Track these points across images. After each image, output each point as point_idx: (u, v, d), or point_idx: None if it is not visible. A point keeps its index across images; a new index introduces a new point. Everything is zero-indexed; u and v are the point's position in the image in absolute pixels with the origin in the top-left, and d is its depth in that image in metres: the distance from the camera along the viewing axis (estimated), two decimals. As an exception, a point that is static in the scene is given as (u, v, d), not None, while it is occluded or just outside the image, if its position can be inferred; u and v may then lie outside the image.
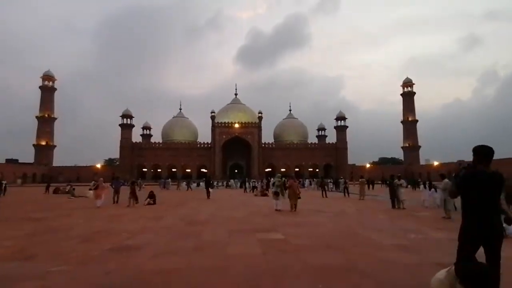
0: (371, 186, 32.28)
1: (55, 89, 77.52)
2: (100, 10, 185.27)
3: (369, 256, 5.26)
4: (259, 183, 29.48)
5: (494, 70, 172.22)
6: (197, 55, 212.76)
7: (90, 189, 23.05)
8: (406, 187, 16.38)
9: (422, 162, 77.99)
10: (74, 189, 24.83)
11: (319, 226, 8.58)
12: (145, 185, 34.78)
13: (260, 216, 11.03)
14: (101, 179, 16.30)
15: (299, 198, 12.45)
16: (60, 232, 7.92)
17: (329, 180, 34.93)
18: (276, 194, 12.38)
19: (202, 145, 75.92)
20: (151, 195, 16.42)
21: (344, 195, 21.82)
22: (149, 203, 15.82)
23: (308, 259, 5.07)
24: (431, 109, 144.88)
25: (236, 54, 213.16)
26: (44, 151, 72.97)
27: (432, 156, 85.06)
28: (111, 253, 5.60)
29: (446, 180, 10.98)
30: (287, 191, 12.59)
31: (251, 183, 33.12)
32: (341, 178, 37.95)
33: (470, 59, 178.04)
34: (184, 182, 39.37)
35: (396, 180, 13.35)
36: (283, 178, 14.43)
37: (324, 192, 21.99)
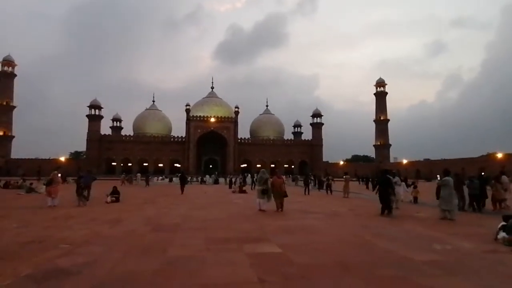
0: (370, 184, 26.67)
1: (15, 75, 70.80)
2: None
3: (410, 285, 3.74)
4: (238, 178, 27.68)
5: (457, 74, 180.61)
6: (174, 48, 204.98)
7: (44, 184, 20.27)
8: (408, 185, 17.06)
9: (391, 160, 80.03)
10: (32, 183, 21.79)
11: (319, 233, 7.00)
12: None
13: (243, 218, 9.30)
14: (55, 172, 13.62)
15: (286, 196, 10.90)
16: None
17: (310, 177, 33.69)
18: (263, 193, 10.67)
19: (176, 139, 72.44)
20: (114, 191, 14.39)
21: (327, 192, 20.80)
22: (111, 201, 13.75)
23: (327, 291, 3.49)
24: (399, 110, 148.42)
25: (214, 49, 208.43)
26: (1, 142, 66.39)
27: (400, 154, 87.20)
28: (28, 283, 3.66)
29: (448, 178, 9.88)
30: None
31: (228, 178, 31.15)
32: (310, 174, 36.92)
33: (435, 63, 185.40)
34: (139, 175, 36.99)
35: (390, 177, 12.08)
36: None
37: (307, 190, 20.95)
